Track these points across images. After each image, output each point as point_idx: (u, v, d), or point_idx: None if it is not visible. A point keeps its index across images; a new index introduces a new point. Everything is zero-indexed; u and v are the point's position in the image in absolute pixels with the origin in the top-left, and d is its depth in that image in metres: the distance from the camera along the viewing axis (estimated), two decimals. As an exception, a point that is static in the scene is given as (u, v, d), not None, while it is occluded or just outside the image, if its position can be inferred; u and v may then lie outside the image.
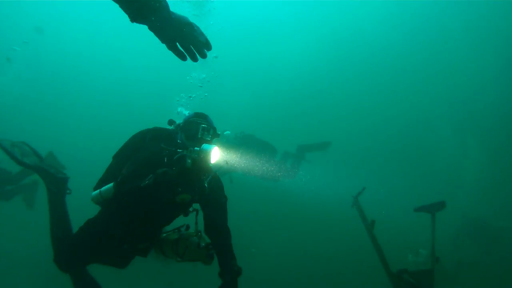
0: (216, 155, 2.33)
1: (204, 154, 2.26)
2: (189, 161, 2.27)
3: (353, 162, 16.61)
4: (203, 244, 2.48)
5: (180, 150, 2.44)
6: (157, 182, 2.26)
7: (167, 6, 1.54)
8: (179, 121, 2.74)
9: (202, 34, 1.67)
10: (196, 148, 2.31)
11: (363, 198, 4.51)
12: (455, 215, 8.58)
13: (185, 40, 1.61)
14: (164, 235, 2.69)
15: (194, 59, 1.66)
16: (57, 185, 2.83)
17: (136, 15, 1.49)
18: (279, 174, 6.71)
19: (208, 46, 1.68)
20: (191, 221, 2.65)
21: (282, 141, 7.64)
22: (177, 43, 1.61)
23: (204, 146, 2.30)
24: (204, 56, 1.67)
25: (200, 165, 2.28)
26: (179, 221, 2.75)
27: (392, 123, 17.73)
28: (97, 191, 2.50)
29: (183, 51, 1.64)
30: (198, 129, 2.56)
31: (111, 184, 2.43)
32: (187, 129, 2.59)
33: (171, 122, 2.75)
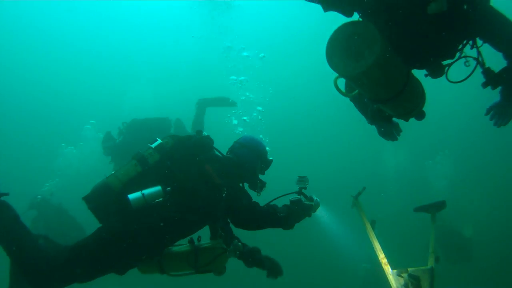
0: None
1: (317, 207, 3.09)
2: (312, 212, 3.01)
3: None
4: (242, 249, 2.77)
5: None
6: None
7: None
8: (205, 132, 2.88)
9: None
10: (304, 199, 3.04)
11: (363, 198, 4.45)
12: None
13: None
14: (176, 247, 2.59)
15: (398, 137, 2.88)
16: None
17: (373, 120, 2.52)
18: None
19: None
20: (200, 233, 2.66)
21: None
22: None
23: (317, 199, 3.05)
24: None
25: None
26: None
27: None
28: (139, 193, 2.24)
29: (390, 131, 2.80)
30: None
31: (158, 187, 2.29)
32: (266, 168, 3.19)
33: (199, 132, 2.82)
